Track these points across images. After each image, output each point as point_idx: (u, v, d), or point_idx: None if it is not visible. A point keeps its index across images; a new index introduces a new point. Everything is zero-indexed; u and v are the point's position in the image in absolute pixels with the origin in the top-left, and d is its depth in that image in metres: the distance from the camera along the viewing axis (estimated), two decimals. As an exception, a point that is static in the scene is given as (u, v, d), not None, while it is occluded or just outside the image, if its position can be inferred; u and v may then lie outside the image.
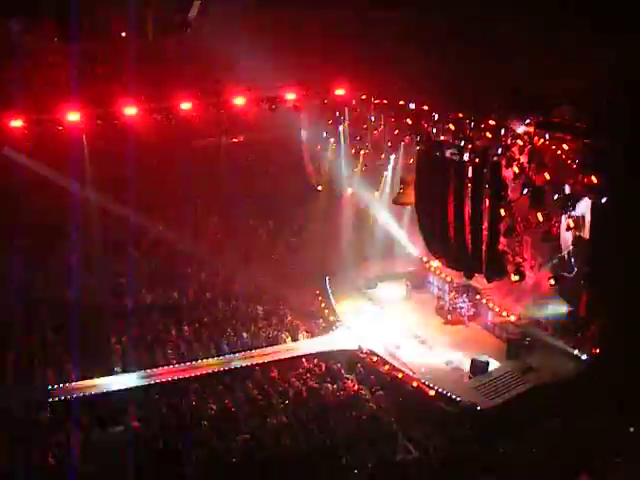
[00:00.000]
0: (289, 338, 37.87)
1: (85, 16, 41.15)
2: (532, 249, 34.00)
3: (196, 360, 35.51)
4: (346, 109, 42.27)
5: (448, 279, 41.56)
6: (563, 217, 30.76)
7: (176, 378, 34.01)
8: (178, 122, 37.00)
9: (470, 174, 33.32)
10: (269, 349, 36.79)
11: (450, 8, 35.45)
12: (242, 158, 46.06)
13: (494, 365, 34.45)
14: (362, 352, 36.31)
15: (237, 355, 36.21)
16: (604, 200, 28.79)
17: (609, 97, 29.36)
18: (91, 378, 33.58)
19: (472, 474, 26.75)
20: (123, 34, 44.76)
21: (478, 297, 39.33)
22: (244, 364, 35.38)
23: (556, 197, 30.56)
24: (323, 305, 41.42)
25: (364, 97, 40.32)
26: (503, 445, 28.20)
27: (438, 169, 35.42)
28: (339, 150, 45.42)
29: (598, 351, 31.53)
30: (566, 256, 31.30)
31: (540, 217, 31.17)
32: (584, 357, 32.34)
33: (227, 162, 45.58)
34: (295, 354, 36.33)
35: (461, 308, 39.60)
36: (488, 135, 33.06)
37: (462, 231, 34.20)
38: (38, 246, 41.53)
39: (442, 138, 36.09)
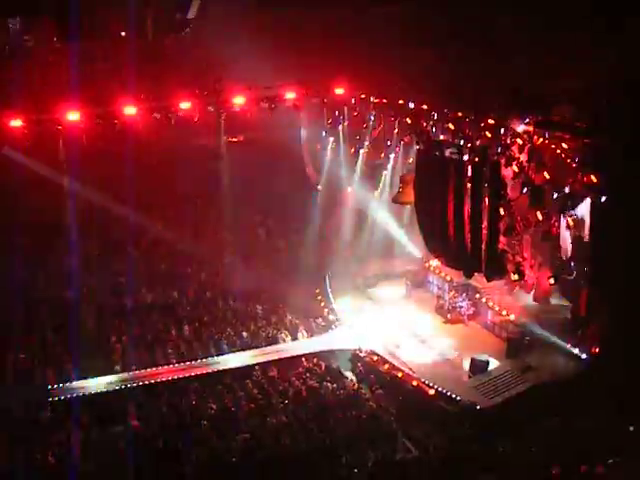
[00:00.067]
0: (289, 337, 37.84)
1: (85, 16, 41.18)
2: (532, 248, 33.98)
3: (196, 360, 35.48)
4: (345, 108, 42.24)
5: (448, 278, 41.57)
6: (562, 216, 30.81)
7: (176, 377, 33.99)
8: (178, 121, 36.99)
9: (470, 173, 33.32)
10: (269, 348, 36.76)
11: (450, 8, 35.48)
12: (242, 157, 45.99)
13: (494, 364, 34.44)
14: (362, 351, 36.30)
15: (237, 354, 36.18)
16: (604, 199, 28.83)
17: (609, 97, 29.39)
18: (91, 377, 33.56)
19: (471, 473, 26.74)
20: (123, 34, 44.80)
21: (478, 296, 39.35)
22: (244, 363, 35.36)
23: (556, 196, 30.60)
24: (323, 304, 41.39)
25: (363, 96, 40.32)
26: (502, 444, 28.21)
27: (437, 168, 35.40)
28: (338, 149, 45.40)
29: (598, 350, 31.55)
30: (565, 257, 31.34)
31: (540, 216, 31.22)
32: (584, 356, 32.36)
33: (227, 161, 45.54)
34: (295, 353, 36.30)
35: (461, 307, 39.60)
36: (488, 134, 33.06)
37: (462, 230, 34.19)
38: (37, 245, 41.56)
39: (441, 137, 36.08)
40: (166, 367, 34.81)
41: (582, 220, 30.33)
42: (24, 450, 28.00)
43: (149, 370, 34.49)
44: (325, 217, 45.81)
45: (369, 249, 44.09)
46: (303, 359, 35.80)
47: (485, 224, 32.99)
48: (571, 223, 30.36)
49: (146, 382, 33.56)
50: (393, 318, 40.38)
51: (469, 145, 33.61)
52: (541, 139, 31.81)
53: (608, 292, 29.74)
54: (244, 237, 46.53)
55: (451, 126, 34.77)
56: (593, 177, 28.93)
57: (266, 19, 41.52)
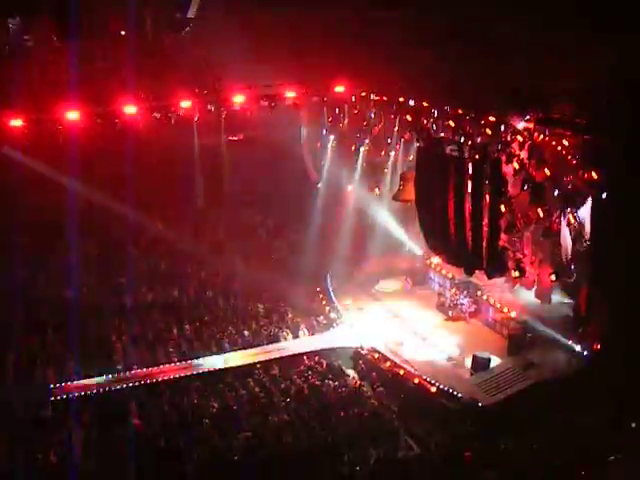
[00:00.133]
0: (290, 336, 37.85)
1: (84, 15, 41.14)
2: (532, 245, 33.95)
3: (197, 358, 35.48)
4: (346, 106, 42.21)
5: (449, 275, 41.59)
6: (563, 213, 30.77)
7: (177, 376, 34.00)
8: (178, 120, 36.98)
9: (470, 170, 33.26)
10: (270, 347, 36.77)
11: (450, 8, 35.41)
12: (242, 156, 45.96)
13: (495, 361, 34.45)
14: (363, 349, 36.32)
15: (238, 353, 36.18)
16: (604, 196, 28.79)
17: (609, 95, 29.34)
18: (92, 376, 33.55)
19: (473, 471, 26.75)
20: (122, 33, 44.73)
21: (479, 293, 39.34)
22: (245, 362, 35.35)
23: (556, 193, 30.58)
24: (324, 302, 41.43)
25: (364, 94, 40.28)
26: (504, 441, 28.22)
27: (438, 166, 35.35)
28: (339, 147, 45.39)
29: (599, 347, 31.53)
30: (565, 259, 31.31)
31: (540, 213, 31.19)
32: (585, 353, 32.34)
33: (227, 160, 45.56)
34: (296, 352, 36.30)
35: (462, 304, 39.63)
36: (488, 131, 33.02)
37: (462, 227, 34.14)
38: (37, 244, 41.55)
39: (442, 135, 36.04)
40: (167, 366, 34.80)
41: (583, 219, 30.29)
42: (25, 450, 28.00)
43: (150, 369, 34.49)
44: (326, 215, 45.77)
45: (370, 247, 44.05)
46: (305, 357, 35.83)
47: (486, 221, 32.94)
48: (572, 220, 30.31)
49: (147, 381, 33.56)
50: (394, 316, 40.40)
51: (469, 142, 33.55)
52: (541, 136, 31.76)
53: (608, 289, 29.70)
54: (245, 236, 46.54)
55: (451, 123, 34.73)
56: (594, 174, 28.90)
57: (266, 19, 41.44)
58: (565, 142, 30.51)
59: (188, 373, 34.20)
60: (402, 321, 39.61)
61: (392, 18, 38.78)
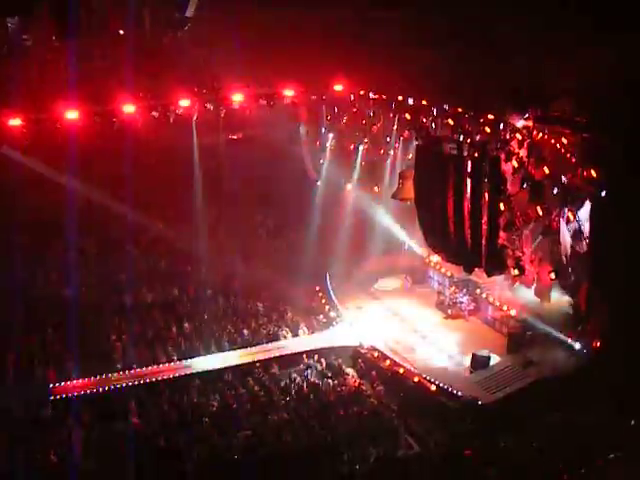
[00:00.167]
0: (290, 334, 37.86)
1: (83, 14, 41.08)
2: (532, 243, 33.95)
3: (197, 357, 35.48)
4: (345, 105, 42.18)
5: (448, 274, 41.61)
6: (562, 211, 30.79)
7: (177, 375, 34.01)
8: (176, 119, 36.94)
9: (469, 169, 33.25)
10: (270, 345, 36.79)
11: (450, 8, 35.36)
12: (241, 155, 45.91)
13: (495, 359, 34.48)
14: (363, 347, 36.33)
15: (238, 352, 36.18)
16: (603, 194, 28.78)
17: (608, 94, 29.32)
18: (92, 376, 33.56)
19: (473, 469, 26.75)
20: (121, 32, 44.67)
21: (478, 292, 39.36)
22: (245, 361, 35.36)
23: (555, 191, 30.58)
24: (323, 301, 41.46)
25: (362, 93, 40.25)
26: (504, 439, 28.23)
27: (437, 164, 35.32)
28: (338, 146, 45.37)
29: (598, 345, 31.53)
30: (564, 258, 31.33)
31: (540, 211, 31.18)
32: (585, 351, 32.33)
33: (226, 159, 45.49)
34: (296, 350, 36.32)
35: (461, 303, 39.69)
36: (487, 130, 33.00)
37: (461, 225, 34.12)
38: (36, 244, 41.51)
39: (441, 133, 36.02)
40: (167, 365, 34.81)
41: (582, 217, 30.30)
42: (25, 449, 28.02)
43: (150, 368, 34.50)
44: (325, 214, 45.75)
45: (369, 246, 44.05)
46: (304, 356, 35.82)
47: (485, 219, 32.92)
48: (571, 218, 30.31)
49: (147, 380, 33.59)
50: (394, 314, 40.43)
51: (469, 141, 33.55)
52: (541, 134, 31.76)
53: (608, 287, 29.70)
54: (244, 235, 46.49)
55: (450, 122, 34.72)
56: (593, 172, 28.89)
57: (265, 18, 41.40)
58: (564, 140, 30.50)
59: (188, 372, 34.24)
60: (401, 320, 39.61)
61: (392, 18, 38.75)
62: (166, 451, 28.51)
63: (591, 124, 29.76)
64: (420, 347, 36.71)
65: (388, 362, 34.89)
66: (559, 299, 34.42)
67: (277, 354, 35.95)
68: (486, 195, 32.51)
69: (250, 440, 29.21)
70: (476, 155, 32.78)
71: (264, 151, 45.40)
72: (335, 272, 43.39)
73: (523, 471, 26.18)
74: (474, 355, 34.39)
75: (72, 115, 34.10)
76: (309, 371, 34.78)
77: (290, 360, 35.67)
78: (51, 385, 32.83)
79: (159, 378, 33.74)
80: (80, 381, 33.22)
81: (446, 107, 35.18)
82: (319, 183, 46.84)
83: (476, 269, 35.81)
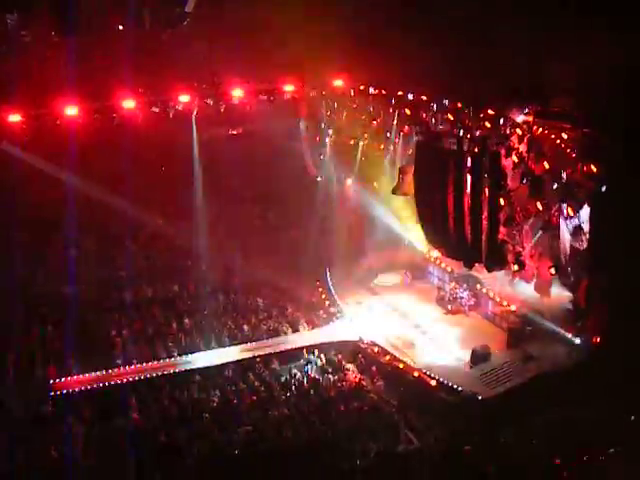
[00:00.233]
0: (290, 330, 37.89)
1: (82, 10, 41.04)
2: (532, 238, 33.96)
3: (197, 353, 35.50)
4: (345, 100, 42.19)
5: (448, 269, 41.62)
6: (562, 207, 30.79)
7: (177, 371, 34.04)
8: (176, 115, 36.94)
9: (469, 164, 33.26)
10: (270, 341, 36.80)
11: (450, 6, 35.33)
12: (241, 150, 45.87)
13: (495, 355, 34.47)
14: (363, 343, 36.34)
15: (238, 347, 36.19)
16: (603, 189, 28.78)
17: (608, 90, 29.29)
18: (92, 372, 33.59)
19: (473, 464, 26.76)
20: (121, 28, 44.63)
21: (478, 287, 39.37)
22: (245, 356, 35.38)
23: (555, 186, 30.57)
24: (323, 296, 41.47)
25: (362, 88, 40.23)
26: (504, 435, 28.24)
27: (437, 159, 35.33)
28: (338, 141, 45.37)
29: (598, 341, 31.53)
30: (563, 254, 31.35)
31: (539, 206, 31.18)
32: (585, 346, 32.34)
33: (226, 154, 45.46)
34: (296, 346, 36.34)
35: (461, 298, 39.69)
36: (487, 125, 32.99)
37: (462, 221, 34.14)
38: (36, 240, 41.48)
39: (441, 128, 36.01)
40: (167, 360, 34.83)
41: (582, 212, 30.31)
42: (25, 446, 28.03)
43: (150, 364, 34.53)
44: (325, 210, 45.76)
45: (369, 241, 44.04)
46: (304, 351, 35.84)
47: (485, 215, 32.95)
48: (570, 213, 30.31)
49: (147, 376, 33.60)
50: (394, 310, 40.44)
51: (469, 136, 33.55)
52: (541, 129, 31.74)
53: (608, 283, 29.72)
54: (244, 230, 46.45)
55: (450, 117, 34.71)
56: (593, 167, 28.88)
57: (265, 14, 41.38)
58: (564, 135, 30.49)
59: (188, 368, 34.24)
60: (402, 315, 39.63)
61: (393, 17, 38.72)
62: (167, 447, 28.52)
63: (590, 119, 29.75)
64: (420, 342, 36.70)
65: (388, 357, 34.90)
66: (559, 294, 34.41)
67: (277, 350, 35.97)
68: (486, 190, 32.53)
69: (250, 435, 29.24)
70: (476, 150, 32.80)
71: (264, 147, 45.37)
72: (335, 268, 43.38)
73: (522, 467, 26.19)
74: (474, 350, 34.39)
75: (72, 111, 34.11)
76: (309, 366, 34.80)
77: (290, 356, 35.70)
78: (51, 381, 32.82)
79: (159, 374, 33.78)
80: (80, 377, 33.24)
81: (446, 102, 35.18)
82: (319, 179, 46.85)
83: (476, 264, 35.88)
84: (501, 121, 32.55)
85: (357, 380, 33.64)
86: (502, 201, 32.20)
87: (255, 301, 40.96)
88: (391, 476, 26.92)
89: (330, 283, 42.32)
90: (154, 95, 36.43)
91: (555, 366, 32.24)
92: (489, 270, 35.03)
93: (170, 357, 35.18)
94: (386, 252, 44.87)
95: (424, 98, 36.50)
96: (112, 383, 33.04)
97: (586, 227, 29.82)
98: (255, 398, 32.13)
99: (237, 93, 37.45)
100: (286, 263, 42.31)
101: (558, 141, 30.76)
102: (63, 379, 33.06)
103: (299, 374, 34.13)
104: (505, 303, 37.36)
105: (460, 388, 31.75)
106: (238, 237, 45.22)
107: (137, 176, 40.39)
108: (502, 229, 33.12)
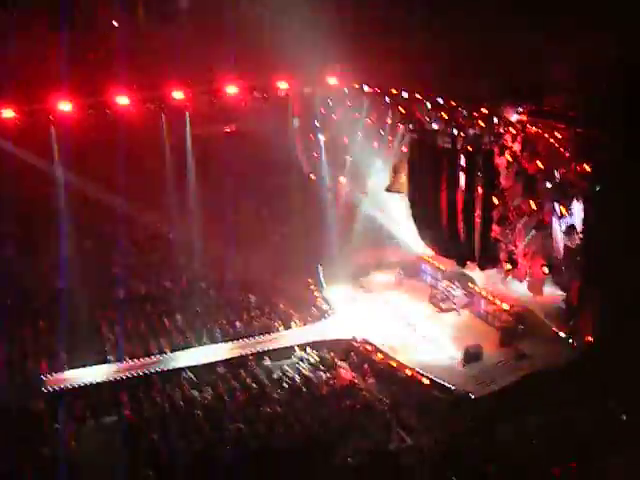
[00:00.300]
0: (282, 327, 37.85)
1: (76, 5, 41.01)
2: (525, 237, 34.03)
3: (189, 349, 35.47)
4: (338, 98, 42.22)
5: (441, 267, 41.63)
6: (555, 206, 30.86)
7: (169, 368, 33.98)
8: (169, 111, 36.91)
9: (463, 162, 33.31)
10: (262, 338, 36.75)
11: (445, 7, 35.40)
12: (234, 147, 45.85)
13: (487, 353, 34.48)
14: (355, 340, 36.32)
15: (230, 344, 36.16)
16: (596, 189, 28.86)
17: (601, 89, 29.36)
18: (84, 368, 33.53)
19: (464, 462, 26.81)
20: (114, 23, 44.59)
21: (471, 285, 39.39)
22: (237, 353, 35.36)
23: (549, 185, 30.63)
24: (316, 294, 41.43)
25: (356, 86, 40.27)
26: (498, 434, 28.25)
27: (431, 157, 35.39)
28: (331, 139, 45.37)
29: (591, 339, 31.61)
30: (556, 252, 31.41)
31: (533, 205, 31.24)
32: (577, 345, 32.41)
33: (219, 152, 45.43)
34: (288, 343, 36.31)
35: (454, 296, 39.65)
36: (481, 123, 33.04)
37: (455, 219, 34.22)
38: (29, 236, 41.40)
39: (435, 126, 36.05)
40: (159, 357, 34.79)
41: (575, 211, 30.37)
42: (17, 442, 27.96)
43: (142, 360, 34.47)
44: (318, 207, 45.76)
45: (362, 238, 44.01)
46: (296, 348, 35.82)
47: (478, 213, 33.02)
48: (564, 212, 30.38)
49: (139, 372, 33.54)
50: (386, 307, 40.43)
51: (462, 134, 33.59)
52: (534, 128, 31.81)
53: (600, 282, 29.79)
54: (237, 227, 46.43)
55: (444, 115, 34.75)
56: (586, 166, 28.95)
57: (258, 11, 41.38)
58: (558, 135, 30.56)
59: (180, 364, 34.18)
60: (394, 313, 39.61)
61: (386, 15, 38.75)
62: (158, 443, 28.47)
63: (584, 118, 29.83)
64: (413, 340, 36.65)
65: (381, 355, 34.85)
66: (552, 293, 34.49)
67: (269, 347, 35.90)
68: (479, 189, 32.56)
69: (242, 433, 29.20)
70: (470, 149, 32.85)
71: (257, 144, 45.37)
72: (327, 265, 43.32)
73: (516, 465, 26.25)
74: (466, 349, 34.36)
75: (65, 107, 34.05)
76: (301, 364, 34.77)
77: (282, 353, 35.64)
78: (43, 378, 32.74)
79: (152, 371, 33.69)
80: (72, 373, 33.16)
81: (440, 101, 35.22)
82: (312, 176, 46.84)
83: (469, 263, 35.90)
84: (495, 120, 32.62)
85: (349, 378, 33.60)
86: (495, 200, 32.29)
87: (247, 298, 40.88)
88: (383, 474, 26.94)
89: (322, 280, 42.29)
90: (148, 91, 36.40)
91: (547, 365, 32.27)
92: (482, 268, 35.12)
93: (162, 354, 35.11)
94: (379, 250, 44.89)
95: (418, 96, 36.55)
96: (104, 379, 32.97)
97: (579, 226, 29.89)
98: (247, 395, 32.10)
99: (231, 90, 37.43)
100: (279, 260, 42.35)
101: (552, 140, 30.83)
102: (55, 375, 32.99)
103: (291, 371, 34.09)
104: (498, 302, 37.37)
105: (452, 386, 31.75)
106: (231, 234, 45.19)
107: (131, 172, 40.32)
108: (495, 228, 33.22)
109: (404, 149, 39.54)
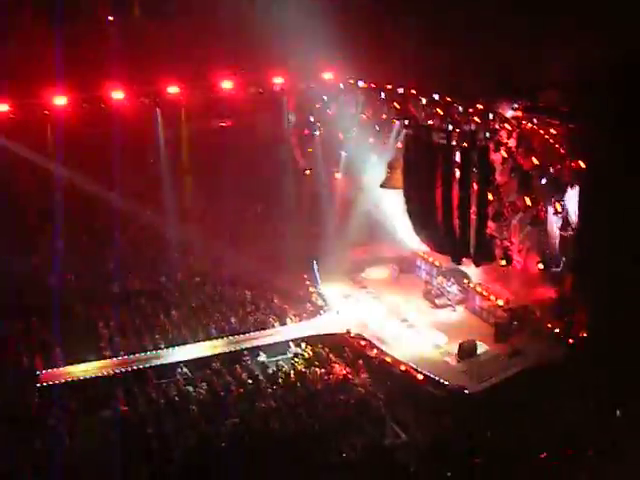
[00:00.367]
0: (277, 322, 37.85)
1: (72, 0, 40.93)
2: (520, 233, 34.08)
3: (184, 344, 35.47)
4: (334, 93, 42.21)
5: (436, 263, 41.67)
6: (550, 202, 30.89)
7: (164, 363, 33.98)
8: (165, 106, 36.87)
9: (458, 158, 33.33)
10: (257, 333, 36.76)
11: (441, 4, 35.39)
12: (229, 142, 45.80)
13: (482, 349, 34.54)
14: (350, 336, 36.33)
15: (225, 339, 36.16)
16: (591, 185, 28.90)
17: (595, 85, 29.37)
18: (79, 363, 33.50)
19: (459, 457, 26.84)
20: (110, 18, 44.51)
21: (466, 281, 39.43)
22: (232, 348, 35.36)
23: (544, 181, 30.66)
24: (311, 289, 41.43)
25: (352, 81, 40.25)
26: (490, 429, 28.30)
27: (426, 153, 35.38)
28: (326, 134, 45.36)
29: (584, 335, 31.66)
30: (551, 248, 31.44)
31: (528, 201, 31.28)
32: (571, 341, 32.46)
33: (214, 147, 45.39)
34: (283, 338, 36.32)
35: (449, 292, 39.69)
36: (476, 119, 33.06)
37: (450, 215, 34.23)
38: (24, 230, 41.31)
39: (430, 122, 36.06)
40: (154, 352, 34.78)
41: (570, 207, 30.41)
42: (12, 438, 27.96)
43: (137, 355, 34.46)
44: (313, 202, 45.78)
45: (357, 234, 44.01)
46: (291, 344, 35.83)
47: (473, 209, 33.04)
48: (558, 208, 30.42)
49: (134, 367, 33.52)
50: (381, 303, 40.47)
51: (458, 130, 33.61)
52: (529, 124, 31.84)
53: (594, 278, 29.84)
54: (232, 223, 46.42)
55: (440, 111, 34.76)
56: (581, 163, 28.99)
57: (252, 6, 41.32)
58: (553, 131, 30.61)
59: (175, 359, 34.18)
60: (389, 309, 39.63)
61: (381, 10, 38.73)
62: (153, 438, 28.48)
63: (578, 114, 29.86)
64: (407, 336, 36.69)
65: (375, 351, 34.86)
66: (546, 289, 34.53)
67: (264, 342, 35.92)
68: (475, 185, 32.59)
69: (237, 428, 29.22)
70: (465, 145, 32.85)
71: (253, 139, 45.38)
72: (323, 260, 43.30)
73: (509, 461, 26.29)
74: (461, 344, 34.39)
75: (60, 101, 34.00)
76: (296, 359, 34.79)
77: (277, 348, 35.66)
78: (37, 373, 32.71)
79: (147, 366, 33.68)
80: (67, 368, 33.13)
81: (436, 97, 35.23)
82: (307, 172, 46.83)
83: (464, 259, 35.92)
84: (490, 116, 32.63)
85: (344, 373, 33.62)
86: (490, 196, 32.30)
87: (243, 293, 40.88)
88: (377, 469, 26.98)
89: (317, 276, 42.29)
90: (143, 86, 36.36)
91: (542, 361, 32.33)
92: (477, 264, 35.12)
93: (157, 349, 35.10)
94: (374, 246, 44.96)
95: (413, 92, 36.56)
96: (99, 375, 32.94)
97: (573, 219, 29.94)
98: (242, 390, 32.11)
99: (226, 85, 37.39)
100: (274, 255, 42.32)
101: (547, 137, 30.86)
102: (49, 370, 32.96)
103: (286, 366, 34.12)
104: (492, 298, 37.42)
105: (447, 382, 31.78)
106: (226, 229, 45.21)
107: (125, 167, 40.29)
108: (490, 224, 33.23)
109: (399, 145, 39.53)
